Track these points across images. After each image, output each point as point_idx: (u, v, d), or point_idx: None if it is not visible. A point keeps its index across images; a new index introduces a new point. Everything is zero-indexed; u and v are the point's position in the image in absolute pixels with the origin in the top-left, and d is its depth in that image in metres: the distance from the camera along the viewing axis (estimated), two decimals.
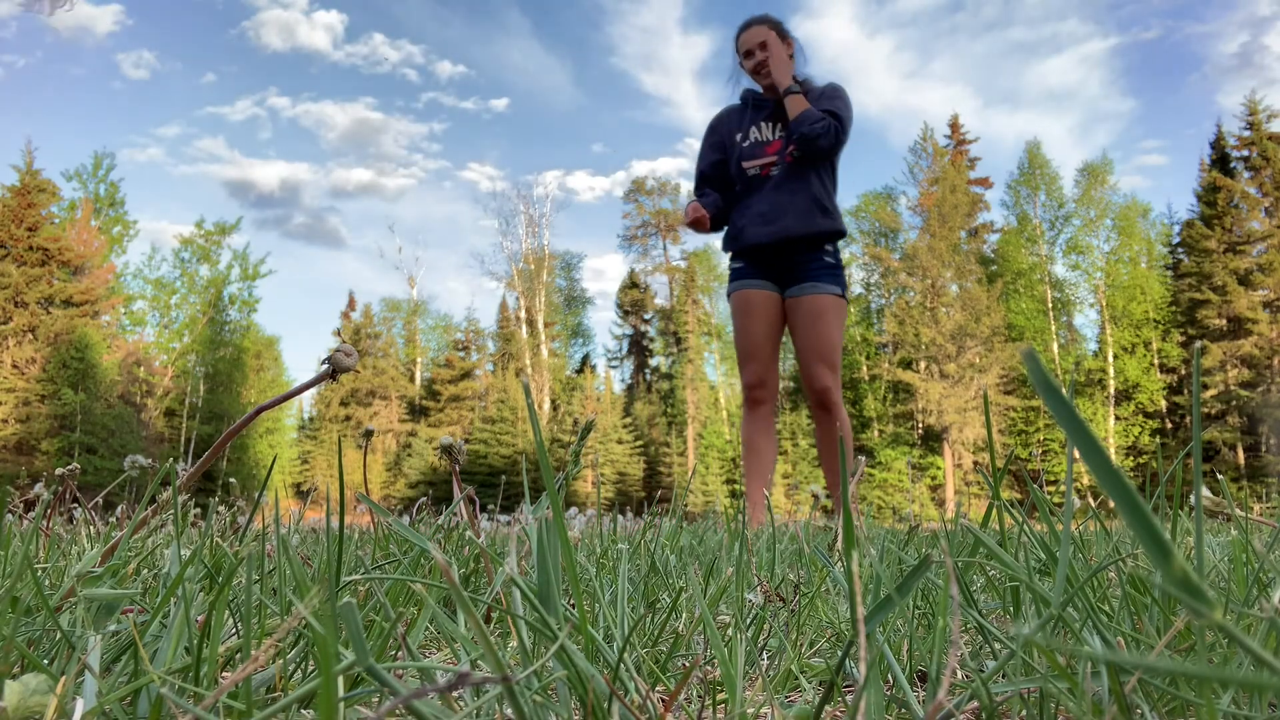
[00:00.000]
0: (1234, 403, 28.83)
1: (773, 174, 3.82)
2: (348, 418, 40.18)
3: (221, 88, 51.30)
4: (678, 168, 52.22)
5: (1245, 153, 30.28)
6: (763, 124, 3.90)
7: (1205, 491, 1.06)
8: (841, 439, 0.59)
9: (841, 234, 3.83)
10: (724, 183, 3.99)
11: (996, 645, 0.62)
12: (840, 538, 1.31)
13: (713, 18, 55.30)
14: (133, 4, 46.99)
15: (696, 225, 3.83)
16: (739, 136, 3.92)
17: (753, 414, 3.77)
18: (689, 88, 55.59)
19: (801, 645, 0.74)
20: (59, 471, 1.47)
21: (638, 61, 55.21)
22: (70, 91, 47.33)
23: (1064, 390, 0.27)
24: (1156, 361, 31.74)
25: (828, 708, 0.58)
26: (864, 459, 1.93)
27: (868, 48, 53.06)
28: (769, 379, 3.80)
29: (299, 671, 0.58)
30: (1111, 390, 31.69)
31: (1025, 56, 52.63)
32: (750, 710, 0.55)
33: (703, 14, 55.64)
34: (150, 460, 1.34)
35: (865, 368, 34.44)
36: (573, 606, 0.63)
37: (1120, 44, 49.13)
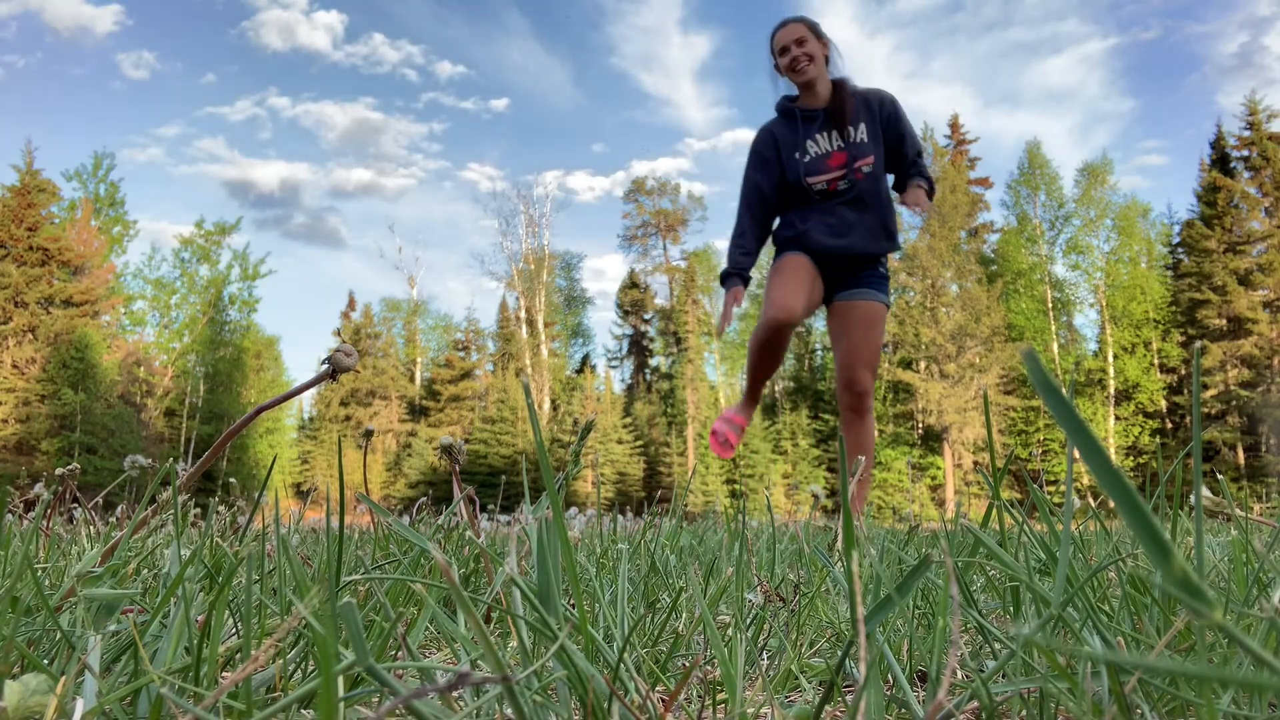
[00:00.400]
0: (1234, 403, 28.84)
1: (840, 188, 3.76)
2: (348, 418, 40.18)
3: (221, 88, 51.38)
4: (677, 168, 52.31)
5: (1245, 153, 30.30)
6: (818, 136, 3.80)
7: (1205, 491, 1.06)
8: (842, 439, 0.59)
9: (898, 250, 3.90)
10: (774, 203, 3.90)
11: (996, 645, 0.62)
12: (840, 537, 1.31)
13: (712, 18, 55.37)
14: (133, 4, 47.10)
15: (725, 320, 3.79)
16: (797, 154, 3.80)
17: (778, 332, 3.68)
18: (689, 88, 55.62)
19: (801, 645, 0.74)
20: (59, 471, 1.47)
21: (637, 62, 55.23)
22: (70, 92, 47.41)
23: (1064, 390, 0.27)
24: (1156, 361, 31.75)
25: (828, 708, 0.58)
26: (863, 459, 1.93)
27: (867, 48, 53.05)
28: (799, 312, 3.69)
29: (299, 671, 0.58)
30: (1111, 390, 31.69)
31: (1025, 57, 52.68)
32: (750, 710, 0.55)
33: (702, 15, 55.67)
34: (150, 460, 1.34)
35: None
36: (573, 606, 0.63)
37: (1120, 44, 49.21)
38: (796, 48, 3.71)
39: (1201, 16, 47.10)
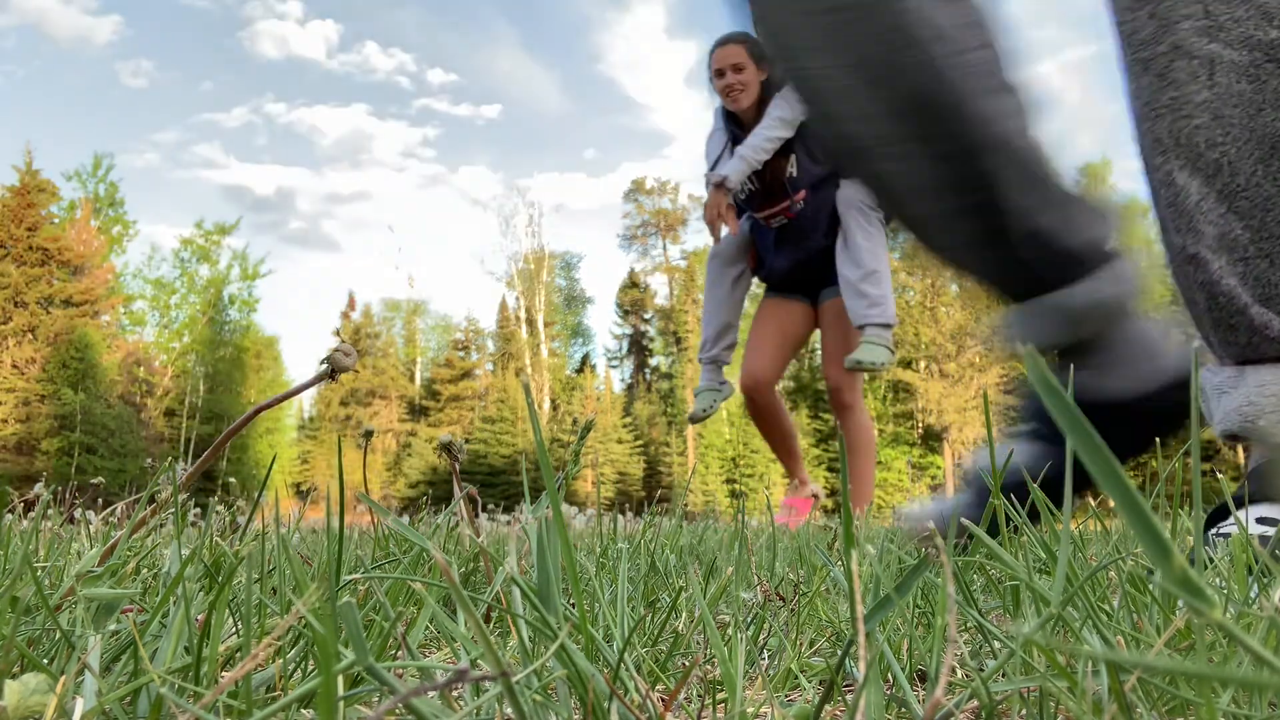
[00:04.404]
0: None
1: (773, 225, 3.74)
2: (348, 417, 40.17)
3: (218, 95, 51.59)
4: (668, 171, 52.44)
5: None
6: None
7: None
8: (841, 438, 0.59)
9: None
10: None
11: (996, 644, 0.62)
12: (840, 536, 1.31)
13: (697, 26, 55.48)
14: (132, 14, 47.33)
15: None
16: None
17: (750, 407, 3.88)
18: (676, 94, 55.78)
19: (801, 645, 0.75)
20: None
21: (624, 69, 55.34)
22: (69, 100, 47.49)
23: (1064, 390, 0.27)
24: None
25: (828, 707, 0.58)
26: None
27: None
28: (762, 377, 3.83)
29: (299, 671, 0.58)
30: None
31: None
32: (750, 709, 0.55)
33: (687, 23, 55.79)
34: (151, 460, 1.34)
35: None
36: (573, 606, 0.63)
37: (1101, 51, 49.27)
38: (732, 74, 3.61)
39: None
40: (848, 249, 3.47)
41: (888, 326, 3.45)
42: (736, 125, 3.71)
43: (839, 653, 0.66)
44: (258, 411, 0.81)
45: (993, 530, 0.67)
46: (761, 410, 3.85)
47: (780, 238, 3.69)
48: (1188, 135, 1.06)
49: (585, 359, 42.81)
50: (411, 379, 42.23)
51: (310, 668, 0.58)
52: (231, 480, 3.21)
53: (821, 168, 3.58)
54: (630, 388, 41.88)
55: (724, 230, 3.62)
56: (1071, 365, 1.10)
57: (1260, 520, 1.03)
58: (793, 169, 3.60)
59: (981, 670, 0.60)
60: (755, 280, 3.96)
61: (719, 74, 3.64)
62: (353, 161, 53.78)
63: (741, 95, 3.61)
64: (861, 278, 3.41)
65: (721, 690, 0.54)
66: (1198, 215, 1.07)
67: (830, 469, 33.29)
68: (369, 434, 1.41)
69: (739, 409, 37.70)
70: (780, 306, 3.82)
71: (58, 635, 0.58)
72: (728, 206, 3.55)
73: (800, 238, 3.63)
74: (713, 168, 3.70)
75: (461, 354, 41.81)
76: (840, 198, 3.53)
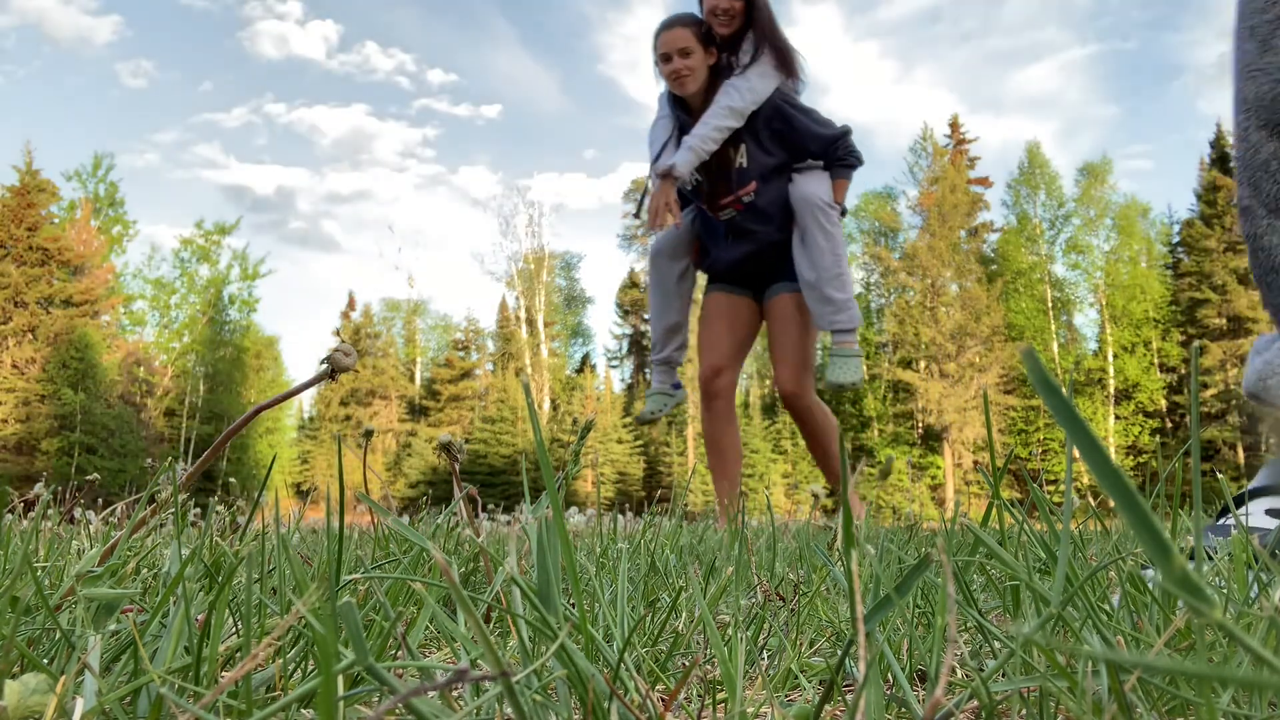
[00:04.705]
0: (1234, 402, 28.83)
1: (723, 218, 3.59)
2: (348, 417, 40.17)
3: (218, 95, 51.59)
4: None
5: None
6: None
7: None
8: (841, 442, 0.58)
9: None
10: None
11: (996, 644, 0.62)
12: (840, 536, 1.31)
13: None
14: (132, 14, 47.44)
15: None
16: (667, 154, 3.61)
17: (709, 409, 3.61)
18: None
19: (801, 645, 0.74)
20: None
21: (624, 69, 55.37)
22: (69, 100, 47.49)
23: (1063, 389, 0.27)
24: (1156, 361, 31.75)
25: (828, 707, 0.58)
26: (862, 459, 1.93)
27: (853, 52, 53.11)
28: (724, 365, 3.60)
29: (299, 671, 0.58)
30: (1111, 390, 31.69)
31: (1005, 64, 52.60)
32: (750, 709, 0.55)
33: None
34: (151, 460, 1.34)
35: (865, 367, 34.48)
36: (573, 606, 0.63)
37: (1100, 52, 49.34)
38: (679, 58, 3.42)
39: (1179, 25, 47.27)
40: (806, 249, 3.34)
41: (853, 330, 3.40)
42: (684, 111, 3.55)
43: (839, 653, 0.66)
44: (258, 411, 0.81)
45: None
46: (719, 414, 3.57)
47: (730, 230, 3.52)
48: (1274, 98, 1.08)
49: (585, 359, 42.82)
50: (411, 379, 42.23)
51: (310, 668, 0.58)
52: (231, 480, 3.22)
53: (773, 158, 3.41)
54: (630, 388, 41.86)
55: (669, 222, 3.41)
56: None
57: (1270, 512, 1.03)
58: (742, 159, 3.43)
59: (981, 670, 0.60)
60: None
61: (665, 59, 3.47)
62: (353, 161, 53.86)
63: (689, 80, 3.44)
64: (825, 281, 3.30)
65: (721, 690, 0.54)
66: (1262, 173, 1.09)
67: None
68: (369, 434, 1.41)
69: (739, 406, 37.49)
70: (728, 304, 3.62)
71: (58, 635, 0.58)
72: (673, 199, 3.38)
73: (751, 230, 3.47)
74: (657, 156, 3.53)
75: (461, 354, 41.81)
76: (795, 194, 3.38)
